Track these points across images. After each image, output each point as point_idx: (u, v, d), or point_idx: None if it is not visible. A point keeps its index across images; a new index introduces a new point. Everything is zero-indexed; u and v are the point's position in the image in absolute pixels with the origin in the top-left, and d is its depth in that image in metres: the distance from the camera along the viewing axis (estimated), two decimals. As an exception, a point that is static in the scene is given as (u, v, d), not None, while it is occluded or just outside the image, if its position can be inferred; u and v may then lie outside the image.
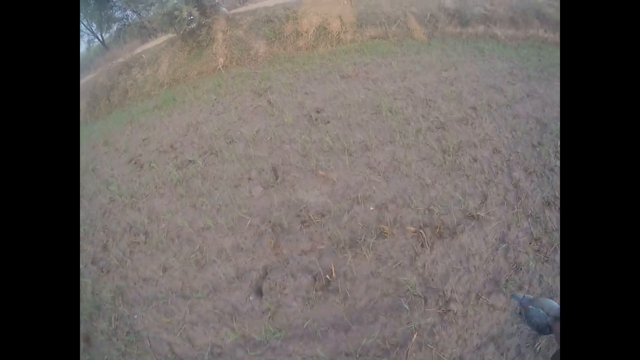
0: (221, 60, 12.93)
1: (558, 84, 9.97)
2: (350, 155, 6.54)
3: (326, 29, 12.19)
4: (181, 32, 13.50)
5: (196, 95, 11.59)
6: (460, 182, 5.69)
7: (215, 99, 10.79)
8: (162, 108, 11.79)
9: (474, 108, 7.93)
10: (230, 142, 8.04)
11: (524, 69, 10.98)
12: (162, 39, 16.37)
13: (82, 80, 17.04)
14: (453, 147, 6.57)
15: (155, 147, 8.98)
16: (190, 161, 7.70)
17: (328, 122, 7.64)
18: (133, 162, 8.72)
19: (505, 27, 15.42)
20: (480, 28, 14.57)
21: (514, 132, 7.00)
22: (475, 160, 6.23)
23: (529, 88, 9.01)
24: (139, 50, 17.07)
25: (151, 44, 17.06)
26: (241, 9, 15.47)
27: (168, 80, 13.85)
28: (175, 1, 11.88)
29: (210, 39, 13.34)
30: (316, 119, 7.82)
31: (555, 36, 17.49)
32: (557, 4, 18.31)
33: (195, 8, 12.15)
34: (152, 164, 8.03)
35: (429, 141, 6.78)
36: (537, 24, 16.90)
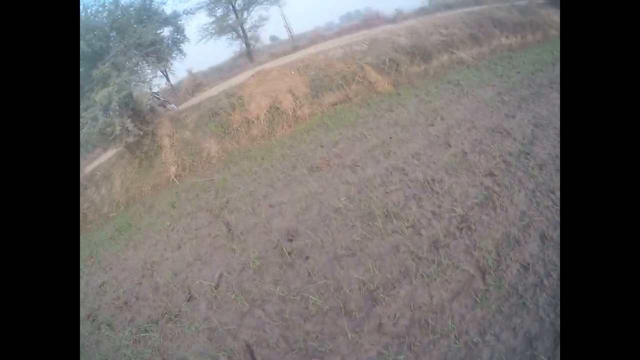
0: (173, 169, 10.76)
1: (552, 93, 8.73)
2: (351, 317, 4.20)
3: (279, 108, 10.19)
4: (124, 146, 11.34)
5: (150, 221, 9.39)
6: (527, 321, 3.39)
7: (170, 225, 8.56)
8: (118, 239, 9.62)
9: (491, 174, 5.79)
10: (189, 298, 5.81)
11: (511, 90, 9.32)
12: (111, 152, 14.28)
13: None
14: (492, 259, 4.30)
15: (111, 298, 6.82)
16: (146, 330, 5.52)
17: (307, 257, 5.32)
18: (91, 319, 6.52)
19: (467, 47, 13.66)
20: (444, 57, 12.74)
21: (552, 195, 5.07)
22: (527, 267, 4.14)
23: (530, 114, 7.51)
24: (90, 167, 14.93)
25: (102, 157, 14.91)
26: (184, 105, 13.48)
27: (124, 198, 11.67)
28: (104, 118, 9.73)
29: (158, 146, 11.24)
30: (290, 253, 5.51)
31: (517, 38, 15.97)
32: (507, 5, 17.17)
33: (130, 119, 10.03)
34: (108, 326, 5.98)
35: (456, 259, 4.49)
36: (497, 33, 15.25)
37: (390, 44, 12.00)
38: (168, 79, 18.24)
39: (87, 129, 9.99)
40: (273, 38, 32.38)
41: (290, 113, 10.15)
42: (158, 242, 8.12)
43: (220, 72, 20.26)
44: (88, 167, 15.25)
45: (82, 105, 9.69)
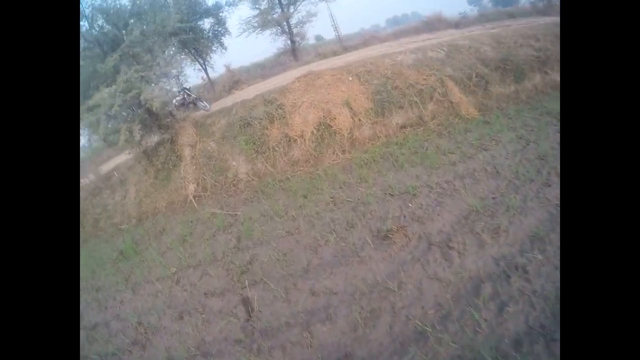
0: (191, 187, 8.40)
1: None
2: None
3: (330, 126, 7.49)
4: (140, 151, 9.10)
5: (156, 257, 7.12)
6: None
7: (175, 275, 6.27)
8: (121, 266, 7.64)
9: None
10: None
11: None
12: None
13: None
14: None
15: (97, 354, 5.14)
16: None
17: None
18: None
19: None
20: (537, 78, 9.61)
21: None
22: None
23: None
24: (108, 165, 12.90)
25: (122, 156, 12.79)
26: (217, 106, 11.04)
27: (136, 211, 9.58)
28: (106, 123, 7.42)
29: (177, 157, 8.91)
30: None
31: None
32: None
33: (140, 125, 7.68)
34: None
35: None
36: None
37: (474, 54, 9.04)
38: (207, 74, 15.97)
39: (102, 129, 7.71)
40: (318, 37, 29.60)
41: (346, 134, 7.45)
42: (159, 295, 6.07)
43: (262, 69, 17.77)
44: (105, 165, 13.25)
45: (87, 105, 7.35)
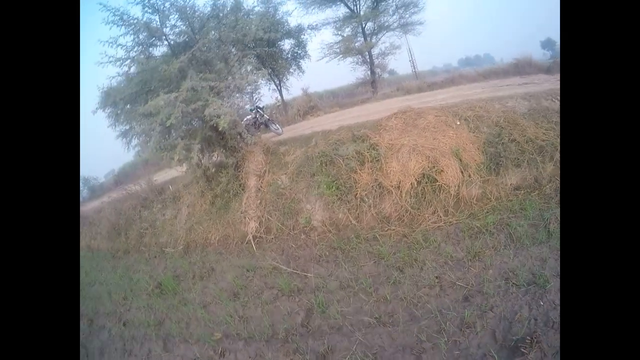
0: (252, 225, 6.98)
1: None
2: None
3: (436, 180, 5.68)
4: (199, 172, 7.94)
5: (203, 300, 5.96)
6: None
7: (221, 341, 4.86)
8: (160, 299, 6.55)
9: None
10: None
11: None
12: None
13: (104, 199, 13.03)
14: None
15: None
16: None
17: None
18: None
19: None
20: None
21: None
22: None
23: None
24: (163, 176, 12.00)
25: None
26: (290, 131, 9.75)
27: (185, 237, 8.30)
28: (160, 136, 6.25)
29: (240, 185, 7.61)
30: None
31: None
32: None
33: (201, 145, 6.50)
34: None
35: None
36: None
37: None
38: (281, 95, 15.00)
39: (152, 143, 6.56)
40: (391, 72, 28.26)
41: (453, 190, 5.65)
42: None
43: (335, 97, 16.53)
44: (162, 174, 12.34)
45: (141, 111, 6.26)
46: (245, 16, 12.47)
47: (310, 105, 12.50)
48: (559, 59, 20.01)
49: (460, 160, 5.84)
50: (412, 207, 5.72)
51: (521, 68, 16.22)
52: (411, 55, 18.62)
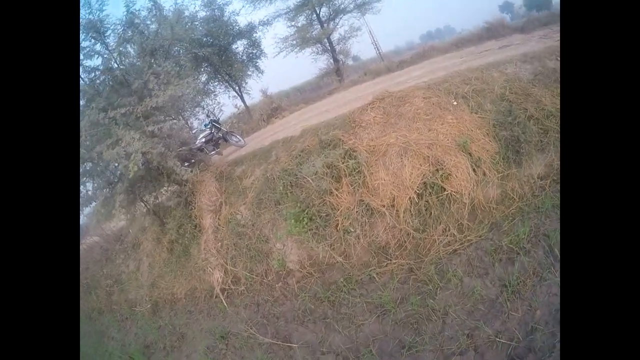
0: (217, 276, 5.33)
1: None
2: None
3: (443, 188, 3.95)
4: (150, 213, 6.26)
5: None
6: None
7: None
8: None
9: None
10: None
11: None
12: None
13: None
14: None
15: None
16: None
17: None
18: None
19: None
20: None
21: None
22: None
23: None
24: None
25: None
26: (253, 141, 7.97)
27: (150, 294, 6.65)
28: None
29: (194, 227, 5.75)
30: None
31: None
32: None
33: (122, 196, 4.77)
34: None
35: None
36: None
37: None
38: (243, 101, 13.04)
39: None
40: (354, 58, 26.35)
41: (467, 200, 3.95)
42: None
43: (302, 93, 14.70)
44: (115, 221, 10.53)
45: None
46: (189, 22, 10.78)
47: (273, 107, 10.62)
48: (528, 17, 18.71)
49: (470, 154, 4.14)
50: (415, 230, 3.99)
51: (495, 31, 14.69)
52: (373, 37, 16.69)
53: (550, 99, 4.73)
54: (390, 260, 4.03)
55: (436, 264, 3.81)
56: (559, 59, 6.30)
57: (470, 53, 10.77)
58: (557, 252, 3.44)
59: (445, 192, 3.94)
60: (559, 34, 10.00)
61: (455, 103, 4.88)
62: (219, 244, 5.36)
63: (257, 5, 12.49)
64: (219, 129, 8.36)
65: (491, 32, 14.62)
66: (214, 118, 8.73)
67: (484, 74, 5.69)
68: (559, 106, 4.76)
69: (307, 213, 4.33)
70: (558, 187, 4.28)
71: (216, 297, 5.23)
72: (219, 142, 8.50)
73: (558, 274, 3.26)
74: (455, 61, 9.20)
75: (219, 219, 5.49)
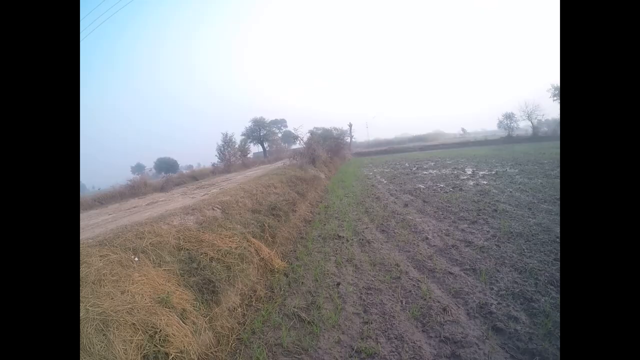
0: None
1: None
2: None
3: (166, 354, 3.27)
4: None
5: None
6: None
7: None
8: None
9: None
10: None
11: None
12: None
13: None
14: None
15: None
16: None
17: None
18: None
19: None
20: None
21: None
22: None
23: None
24: None
25: None
26: None
27: None
28: None
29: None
30: None
31: None
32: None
33: None
34: None
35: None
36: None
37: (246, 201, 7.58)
38: None
39: None
40: None
41: (193, 354, 3.45)
42: None
43: None
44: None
45: None
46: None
47: None
48: (167, 178, 21.16)
49: (173, 308, 3.84)
50: None
51: (138, 189, 15.43)
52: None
53: (221, 240, 5.52)
54: None
55: None
56: (217, 208, 7.66)
57: (117, 210, 10.52)
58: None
59: (171, 357, 3.31)
60: (196, 191, 12.11)
61: (137, 259, 4.51)
62: None
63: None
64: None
65: (134, 190, 15.33)
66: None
67: (153, 227, 5.76)
68: (228, 243, 5.64)
69: None
70: (254, 308, 4.85)
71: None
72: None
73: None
74: (105, 217, 8.67)
75: None
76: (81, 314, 3.01)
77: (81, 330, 2.81)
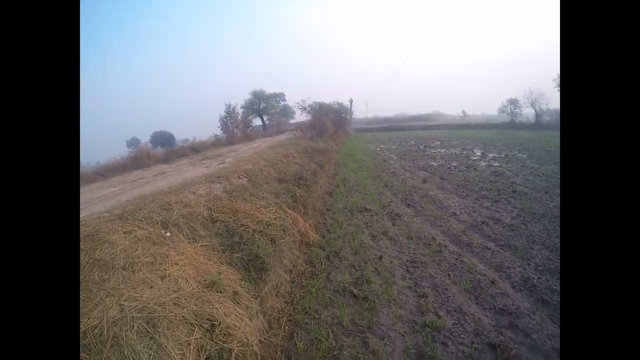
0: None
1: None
2: None
3: (229, 350, 2.58)
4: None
5: None
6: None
7: None
8: None
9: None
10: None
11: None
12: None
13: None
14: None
15: None
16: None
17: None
18: None
19: None
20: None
21: None
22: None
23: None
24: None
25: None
26: None
27: None
28: None
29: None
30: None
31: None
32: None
33: None
34: None
35: None
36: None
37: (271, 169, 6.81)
38: None
39: None
40: None
41: (256, 347, 2.78)
42: None
43: None
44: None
45: None
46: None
47: None
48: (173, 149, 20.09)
49: (224, 291, 3.12)
50: None
51: (140, 161, 14.44)
52: None
53: (258, 211, 4.78)
54: None
55: None
56: (243, 176, 6.88)
57: (122, 182, 9.63)
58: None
59: (234, 354, 2.63)
60: (205, 161, 11.28)
61: (169, 234, 3.74)
62: None
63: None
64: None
65: (137, 161, 14.33)
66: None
67: (179, 196, 4.98)
68: (269, 216, 4.92)
69: None
70: (299, 285, 4.22)
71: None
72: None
73: None
74: (112, 190, 7.83)
75: None
76: (114, 313, 2.24)
77: (119, 336, 2.07)
